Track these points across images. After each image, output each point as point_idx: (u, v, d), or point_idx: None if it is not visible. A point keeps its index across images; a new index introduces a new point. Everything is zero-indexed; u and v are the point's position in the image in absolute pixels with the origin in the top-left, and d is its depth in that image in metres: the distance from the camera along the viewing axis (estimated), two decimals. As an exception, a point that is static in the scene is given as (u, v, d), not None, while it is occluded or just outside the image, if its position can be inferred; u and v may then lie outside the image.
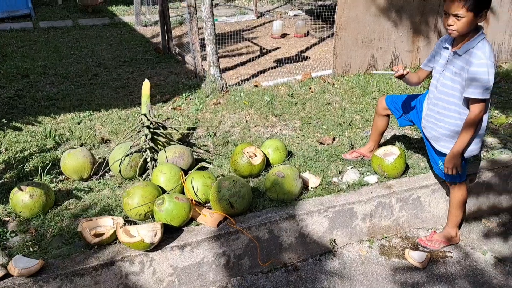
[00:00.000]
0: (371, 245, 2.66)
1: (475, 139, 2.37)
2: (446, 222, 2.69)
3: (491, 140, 3.23)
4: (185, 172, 2.71)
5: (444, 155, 2.44)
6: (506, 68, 5.01)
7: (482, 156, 2.99)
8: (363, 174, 2.88)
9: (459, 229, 2.71)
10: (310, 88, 4.35)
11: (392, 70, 2.53)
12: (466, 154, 2.41)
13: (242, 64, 5.38)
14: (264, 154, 2.88)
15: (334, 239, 2.60)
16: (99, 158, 2.97)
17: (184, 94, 4.16)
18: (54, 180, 2.79)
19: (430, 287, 2.35)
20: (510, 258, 2.57)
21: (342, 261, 2.54)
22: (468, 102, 2.26)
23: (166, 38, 5.53)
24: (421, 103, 2.62)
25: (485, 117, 2.33)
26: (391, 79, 4.44)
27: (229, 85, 4.34)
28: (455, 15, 2.12)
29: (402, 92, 4.24)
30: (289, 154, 3.09)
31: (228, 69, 5.14)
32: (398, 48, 4.75)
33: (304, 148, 3.23)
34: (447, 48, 2.33)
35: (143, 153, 2.84)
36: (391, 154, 2.81)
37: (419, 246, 2.65)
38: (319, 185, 2.73)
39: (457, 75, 2.26)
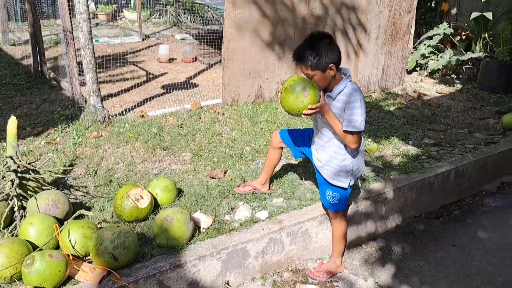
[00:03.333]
0: (264, 282, 2.66)
1: (359, 155, 2.61)
2: (331, 252, 2.83)
3: (365, 169, 3.51)
4: (61, 222, 2.41)
5: (332, 185, 2.61)
6: (375, 98, 5.59)
7: (359, 185, 3.23)
8: (254, 209, 2.90)
9: (342, 256, 2.87)
10: (200, 118, 4.29)
11: None
12: (355, 171, 2.61)
13: (127, 90, 5.11)
14: (152, 195, 2.72)
15: (227, 281, 2.54)
16: (-50, 209, 2.50)
17: (60, 126, 3.77)
18: None
19: (321, 321, 2.42)
20: (387, 282, 2.78)
21: (236, 303, 2.49)
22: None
23: (39, 60, 5.00)
24: (311, 136, 2.77)
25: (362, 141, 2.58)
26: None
27: (112, 115, 4.06)
28: (307, 75, 2.38)
29: (288, 121, 4.43)
30: (179, 192, 2.97)
31: (111, 96, 4.83)
32: (283, 78, 4.97)
33: (195, 184, 3.14)
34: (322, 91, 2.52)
35: (9, 202, 2.47)
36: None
37: (308, 278, 2.73)
38: (211, 225, 2.66)
39: (337, 115, 2.44)
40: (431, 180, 3.49)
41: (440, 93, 6.00)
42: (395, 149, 3.97)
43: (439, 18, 7.39)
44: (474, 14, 6.16)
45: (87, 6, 3.57)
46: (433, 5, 7.39)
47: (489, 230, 3.36)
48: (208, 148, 3.72)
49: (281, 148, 3.01)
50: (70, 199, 2.76)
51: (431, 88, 6.21)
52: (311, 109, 2.31)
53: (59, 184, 2.98)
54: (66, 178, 3.05)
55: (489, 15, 6.03)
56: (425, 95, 5.88)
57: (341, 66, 2.46)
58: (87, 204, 2.79)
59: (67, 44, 3.93)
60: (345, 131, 2.41)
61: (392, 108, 5.17)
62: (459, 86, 6.36)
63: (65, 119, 3.96)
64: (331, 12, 5.03)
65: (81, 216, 2.51)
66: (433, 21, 7.45)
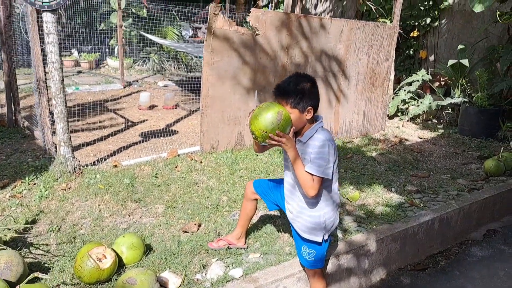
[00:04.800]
0: None
1: (334, 207, 2.46)
2: (312, 312, 2.63)
3: (347, 219, 3.38)
4: (14, 285, 2.20)
5: (307, 240, 2.45)
6: (356, 144, 5.54)
7: (340, 237, 3.08)
8: (228, 266, 2.71)
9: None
10: (176, 167, 4.15)
11: None
12: (328, 224, 2.45)
13: (103, 138, 4.98)
14: (116, 253, 2.53)
15: None
16: None
17: (27, 178, 3.59)
18: None
19: None
20: None
21: None
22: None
23: (13, 110, 4.89)
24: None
25: (335, 187, 2.45)
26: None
27: (84, 166, 3.90)
28: None
29: (268, 169, 4.31)
30: (148, 249, 2.78)
31: (86, 144, 4.69)
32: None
33: (166, 240, 2.95)
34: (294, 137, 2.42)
35: (-44, 265, 2.25)
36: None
37: None
38: (180, 286, 2.46)
39: (305, 160, 2.34)
40: (415, 229, 3.36)
41: (421, 138, 5.99)
42: (377, 197, 3.85)
43: (418, 64, 7.56)
44: (451, 61, 6.30)
45: (59, 55, 3.51)
46: (411, 52, 7.58)
47: (478, 283, 3.19)
48: (182, 199, 3.56)
49: (256, 199, 2.87)
50: (28, 259, 2.56)
51: (413, 133, 6.21)
52: (278, 135, 2.19)
53: (19, 242, 2.77)
54: (27, 235, 2.85)
55: (465, 62, 6.17)
56: (406, 140, 5.86)
57: (318, 113, 2.41)
58: (46, 264, 2.57)
59: (40, 93, 3.84)
60: (306, 172, 2.28)
61: (374, 154, 5.11)
62: (440, 131, 6.38)
63: (34, 170, 3.79)
64: (311, 59, 5.07)
65: (36, 279, 2.30)
66: (412, 67, 7.62)
